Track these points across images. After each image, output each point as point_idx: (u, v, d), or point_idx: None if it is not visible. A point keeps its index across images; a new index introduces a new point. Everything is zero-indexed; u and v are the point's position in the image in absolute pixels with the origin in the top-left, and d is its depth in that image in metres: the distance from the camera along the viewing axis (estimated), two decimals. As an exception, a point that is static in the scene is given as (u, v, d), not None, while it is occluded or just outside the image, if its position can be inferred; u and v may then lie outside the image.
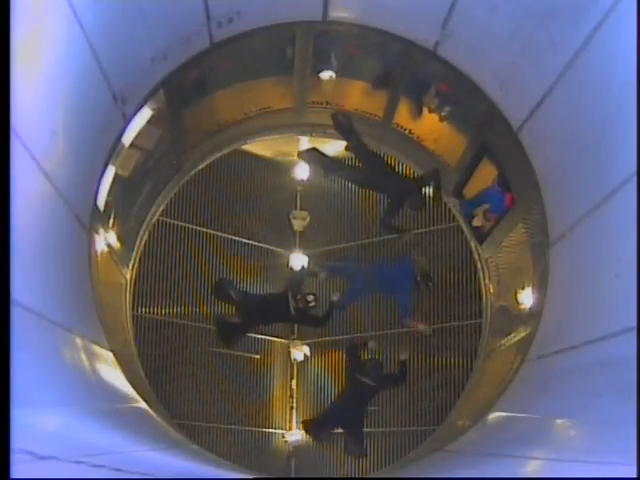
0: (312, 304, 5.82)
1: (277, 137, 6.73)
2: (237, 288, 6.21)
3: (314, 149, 6.25)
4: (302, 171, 7.63)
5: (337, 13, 4.69)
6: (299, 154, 6.51)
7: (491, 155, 5.36)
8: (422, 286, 6.05)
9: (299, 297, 5.81)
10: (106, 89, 3.68)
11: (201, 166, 6.46)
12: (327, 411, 6.10)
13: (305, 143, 7.25)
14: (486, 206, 5.57)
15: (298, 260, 7.38)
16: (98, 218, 4.36)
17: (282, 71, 5.71)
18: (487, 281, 6.12)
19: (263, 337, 7.40)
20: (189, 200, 7.17)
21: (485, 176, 5.57)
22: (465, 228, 6.37)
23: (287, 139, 7.06)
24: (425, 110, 5.84)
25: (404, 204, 5.86)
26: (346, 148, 6.07)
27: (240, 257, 7.48)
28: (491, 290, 6.06)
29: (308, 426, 6.31)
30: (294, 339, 7.42)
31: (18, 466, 1.70)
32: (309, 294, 5.89)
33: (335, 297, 6.09)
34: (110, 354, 4.14)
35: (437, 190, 5.96)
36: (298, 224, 7.73)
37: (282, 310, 5.83)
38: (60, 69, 2.96)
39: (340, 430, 5.97)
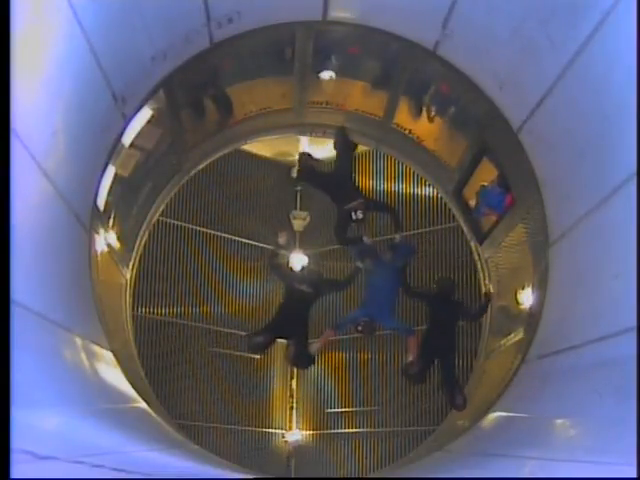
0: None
1: (277, 137, 6.73)
2: None
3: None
4: (302, 171, 7.61)
5: (337, 13, 4.68)
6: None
7: (491, 155, 5.35)
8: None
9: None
10: (106, 89, 3.67)
11: (201, 166, 6.45)
12: (270, 323, 5.87)
13: (305, 143, 7.26)
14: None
15: (298, 260, 7.38)
16: (98, 218, 4.36)
17: (282, 71, 5.70)
18: (487, 281, 6.12)
19: (263, 337, 7.39)
20: (189, 200, 7.18)
21: (485, 176, 5.56)
22: (465, 228, 6.37)
23: (287, 139, 7.06)
24: (425, 110, 5.84)
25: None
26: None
27: (240, 257, 7.49)
28: (491, 290, 6.06)
29: (251, 338, 5.97)
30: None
31: (18, 466, 1.70)
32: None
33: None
34: (110, 354, 4.13)
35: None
36: (298, 224, 7.74)
37: None
38: (60, 69, 2.96)
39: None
